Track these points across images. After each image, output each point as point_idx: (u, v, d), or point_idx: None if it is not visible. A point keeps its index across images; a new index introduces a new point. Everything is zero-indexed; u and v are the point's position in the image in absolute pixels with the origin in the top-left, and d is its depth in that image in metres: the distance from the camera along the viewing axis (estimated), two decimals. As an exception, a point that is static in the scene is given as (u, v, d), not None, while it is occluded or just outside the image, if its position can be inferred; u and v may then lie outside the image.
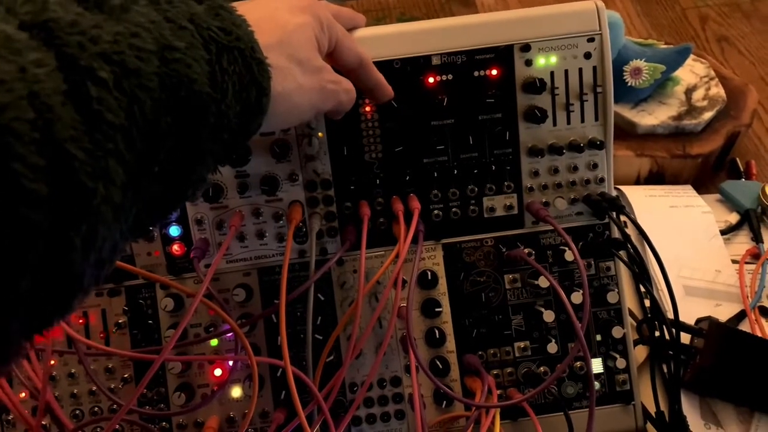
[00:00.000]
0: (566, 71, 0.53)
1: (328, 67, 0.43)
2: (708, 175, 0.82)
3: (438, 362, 0.54)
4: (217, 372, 0.54)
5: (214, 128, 0.32)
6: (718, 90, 0.82)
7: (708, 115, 0.79)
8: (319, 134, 0.53)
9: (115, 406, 0.54)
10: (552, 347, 0.55)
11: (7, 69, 0.23)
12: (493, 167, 0.54)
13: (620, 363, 0.55)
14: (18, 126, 0.23)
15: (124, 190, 0.27)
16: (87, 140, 0.25)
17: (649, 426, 0.56)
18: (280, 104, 0.38)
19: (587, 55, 0.53)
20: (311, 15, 0.42)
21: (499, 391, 0.54)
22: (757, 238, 0.71)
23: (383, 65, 0.51)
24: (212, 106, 0.31)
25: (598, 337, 0.55)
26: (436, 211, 0.55)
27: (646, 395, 0.57)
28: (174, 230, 0.54)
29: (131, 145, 0.27)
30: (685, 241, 0.70)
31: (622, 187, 0.76)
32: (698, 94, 0.81)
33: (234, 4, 0.38)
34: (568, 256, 0.55)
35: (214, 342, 0.54)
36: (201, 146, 0.32)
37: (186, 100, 0.30)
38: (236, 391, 0.54)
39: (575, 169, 0.55)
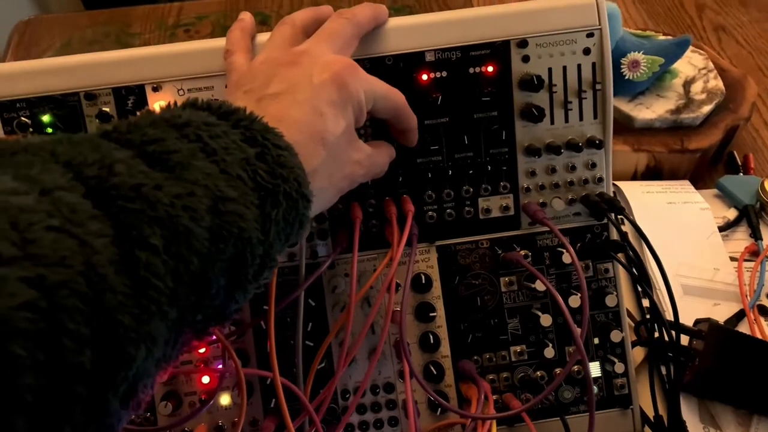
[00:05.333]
0: (564, 68, 0.51)
1: (362, 155, 0.44)
2: (706, 169, 0.80)
3: (432, 368, 0.53)
4: (205, 379, 0.52)
5: (260, 267, 0.32)
6: (716, 82, 0.81)
7: (706, 109, 0.77)
8: (309, 134, 0.51)
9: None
10: (549, 351, 0.53)
11: (68, 244, 0.23)
12: (489, 167, 0.53)
13: (618, 367, 0.54)
14: (71, 302, 0.23)
15: (165, 344, 0.28)
16: (133, 304, 0.25)
17: (647, 430, 0.55)
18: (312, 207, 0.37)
19: (586, 51, 0.51)
20: (350, 102, 0.40)
21: (495, 397, 0.53)
22: (755, 235, 0.69)
23: (374, 62, 0.50)
24: (260, 248, 0.32)
25: (596, 341, 0.54)
26: (430, 213, 0.53)
27: (644, 397, 0.56)
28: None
29: (174, 303, 0.27)
30: (683, 238, 0.69)
31: (618, 183, 0.74)
32: (696, 87, 0.80)
33: (270, 89, 0.39)
34: (566, 258, 0.53)
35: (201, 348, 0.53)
36: (244, 284, 0.32)
37: (235, 250, 0.30)
38: (225, 399, 0.53)
39: (573, 168, 0.53)
